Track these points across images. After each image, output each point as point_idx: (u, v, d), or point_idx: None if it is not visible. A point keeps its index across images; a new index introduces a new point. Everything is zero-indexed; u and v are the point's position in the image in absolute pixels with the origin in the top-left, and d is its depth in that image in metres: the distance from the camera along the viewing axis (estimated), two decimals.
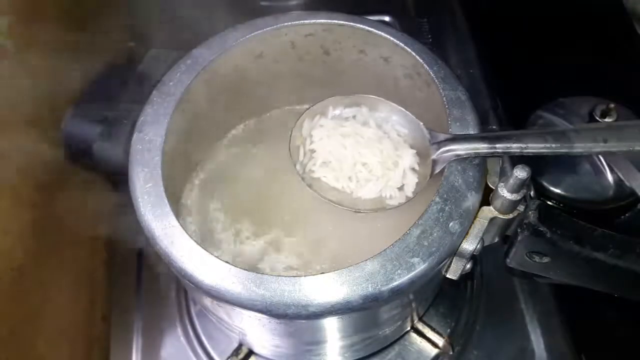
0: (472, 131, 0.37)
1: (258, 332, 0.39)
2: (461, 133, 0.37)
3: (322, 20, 0.42)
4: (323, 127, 0.41)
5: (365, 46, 0.43)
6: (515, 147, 0.34)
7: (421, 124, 0.39)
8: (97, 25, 0.59)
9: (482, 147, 0.34)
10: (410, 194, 0.39)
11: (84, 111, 0.41)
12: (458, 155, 0.35)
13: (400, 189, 0.40)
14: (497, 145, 0.34)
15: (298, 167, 0.40)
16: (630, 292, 0.36)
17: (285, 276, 0.31)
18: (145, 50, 0.43)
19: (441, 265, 0.33)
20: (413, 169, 0.40)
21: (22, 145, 0.44)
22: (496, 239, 0.37)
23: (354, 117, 0.42)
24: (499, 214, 0.34)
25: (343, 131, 0.41)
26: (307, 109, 0.41)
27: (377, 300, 0.31)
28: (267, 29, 0.41)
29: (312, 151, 0.41)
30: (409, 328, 0.48)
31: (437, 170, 0.36)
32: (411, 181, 0.39)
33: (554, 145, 0.33)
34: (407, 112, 0.40)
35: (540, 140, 0.33)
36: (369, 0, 0.74)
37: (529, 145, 0.33)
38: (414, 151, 0.40)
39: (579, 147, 0.33)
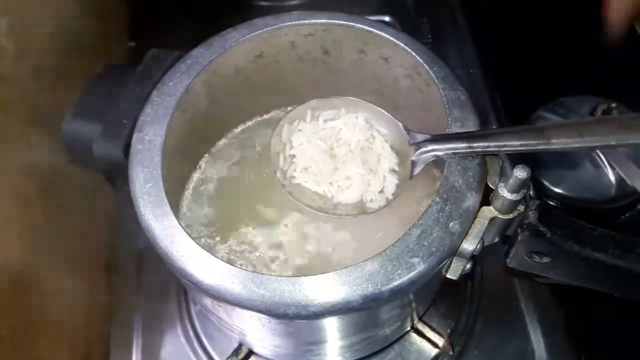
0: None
1: (258, 332, 0.39)
2: (439, 133, 0.37)
3: (322, 20, 0.42)
4: (302, 131, 0.41)
5: (365, 46, 0.43)
6: (493, 145, 0.34)
7: (400, 124, 0.39)
8: (97, 25, 0.59)
9: (460, 147, 0.35)
10: (390, 196, 0.39)
11: (84, 111, 0.40)
12: (437, 156, 0.35)
13: (381, 191, 0.40)
14: (475, 145, 0.34)
15: (279, 174, 0.40)
16: (630, 292, 0.36)
17: (285, 276, 0.31)
18: (145, 50, 0.43)
19: (441, 265, 0.33)
20: (393, 171, 0.40)
21: (22, 146, 0.44)
22: (496, 239, 0.37)
23: (332, 119, 0.41)
24: (499, 214, 0.34)
25: (322, 134, 0.41)
26: (286, 113, 0.41)
27: (377, 300, 0.31)
28: (267, 29, 0.41)
29: (293, 157, 0.41)
30: (409, 328, 0.48)
31: (417, 171, 0.37)
32: (391, 183, 0.39)
33: (531, 142, 0.33)
34: (386, 113, 0.40)
35: (517, 138, 0.33)
36: (369, 0, 0.74)
37: (507, 143, 0.34)
38: (394, 152, 0.40)
39: (556, 144, 0.33)
